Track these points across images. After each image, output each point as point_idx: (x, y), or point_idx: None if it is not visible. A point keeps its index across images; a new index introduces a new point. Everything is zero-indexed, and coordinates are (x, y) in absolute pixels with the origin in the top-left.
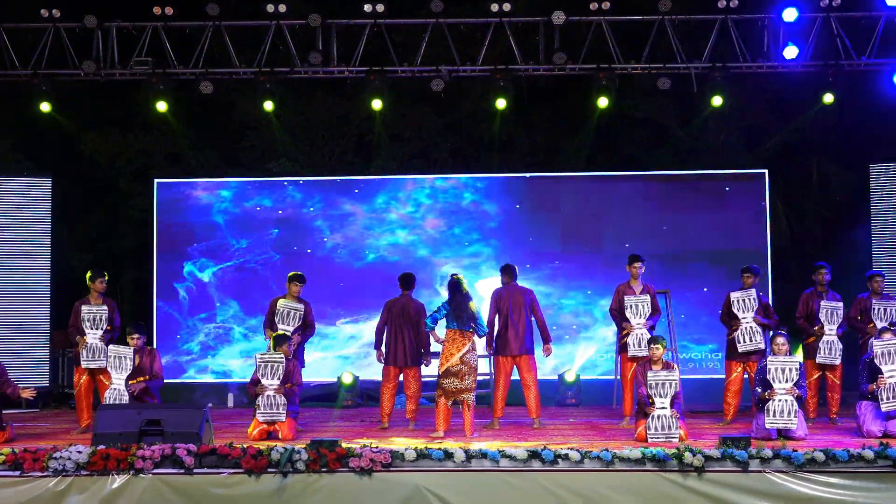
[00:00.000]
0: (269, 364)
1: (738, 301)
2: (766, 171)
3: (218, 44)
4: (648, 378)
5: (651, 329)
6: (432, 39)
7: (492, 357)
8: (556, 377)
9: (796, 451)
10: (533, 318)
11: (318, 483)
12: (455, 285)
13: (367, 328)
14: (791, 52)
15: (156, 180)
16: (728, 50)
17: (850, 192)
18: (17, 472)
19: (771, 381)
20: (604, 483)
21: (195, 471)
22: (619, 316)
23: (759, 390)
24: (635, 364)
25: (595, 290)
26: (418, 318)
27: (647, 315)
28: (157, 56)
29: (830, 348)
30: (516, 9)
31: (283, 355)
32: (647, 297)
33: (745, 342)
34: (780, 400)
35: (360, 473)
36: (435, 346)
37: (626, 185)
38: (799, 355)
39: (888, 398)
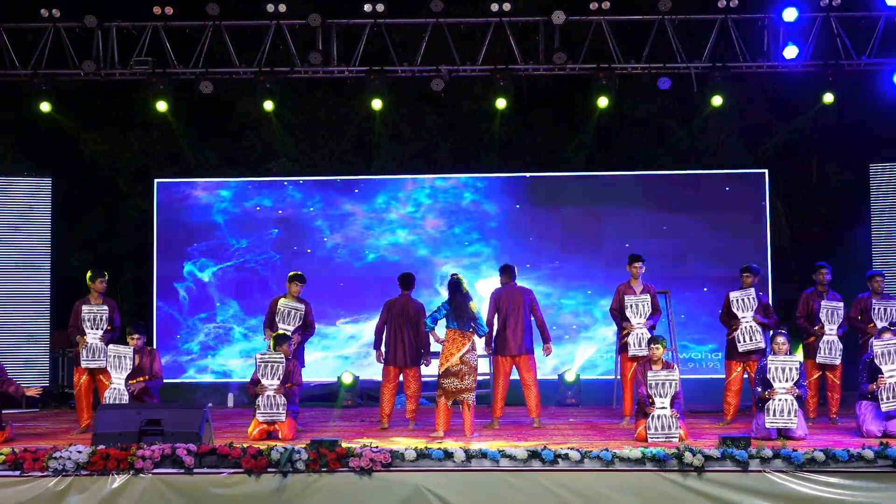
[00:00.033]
0: (269, 364)
1: (737, 300)
2: (766, 170)
3: (218, 44)
4: (648, 378)
5: (652, 329)
6: (432, 39)
7: (491, 357)
8: (556, 377)
9: (796, 450)
10: (532, 318)
11: (318, 483)
12: (455, 285)
13: (367, 328)
14: (791, 51)
15: (156, 180)
16: (728, 50)
17: (850, 192)
18: (17, 472)
19: (771, 381)
20: (604, 483)
21: (195, 471)
22: (619, 316)
23: (760, 389)
24: (635, 364)
25: (595, 289)
26: (418, 318)
27: (648, 315)
28: (157, 56)
29: (831, 348)
30: (516, 9)
31: (282, 355)
32: (648, 297)
33: (745, 341)
34: (780, 399)
35: (360, 473)
36: (435, 346)
37: (626, 185)
38: (799, 355)
39: (888, 398)
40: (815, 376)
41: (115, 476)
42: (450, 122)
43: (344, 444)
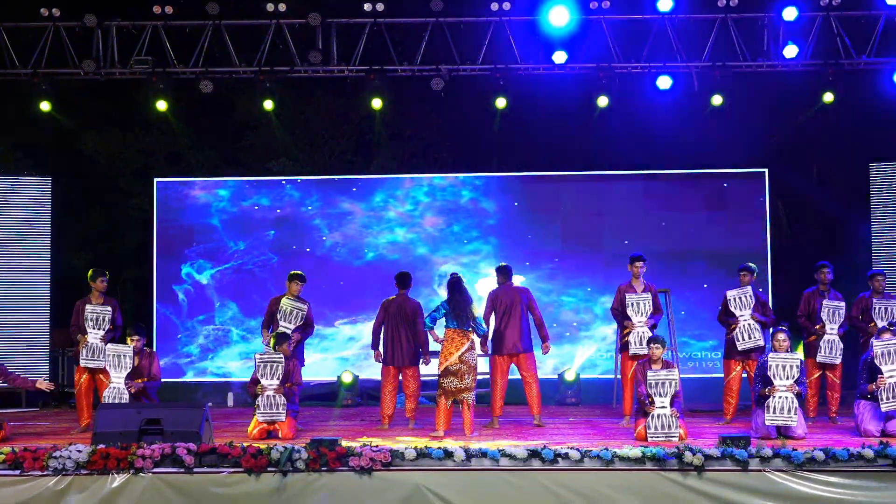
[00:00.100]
0: (269, 364)
1: (734, 299)
2: (766, 170)
3: (218, 43)
4: (648, 377)
5: (653, 328)
6: (432, 38)
7: (489, 357)
8: (556, 376)
9: (796, 450)
10: (531, 317)
11: (318, 482)
12: (454, 284)
13: (367, 329)
14: (791, 51)
15: (156, 180)
16: (728, 49)
17: (850, 191)
18: (17, 471)
19: (772, 378)
20: (604, 482)
21: (195, 470)
22: (620, 315)
23: (760, 387)
24: (635, 363)
25: (595, 287)
26: (415, 318)
27: (649, 314)
28: (156, 55)
29: (831, 347)
30: (516, 8)
31: (282, 355)
32: (649, 296)
33: (743, 340)
34: (780, 397)
35: (360, 472)
36: (434, 346)
37: (626, 184)
38: (799, 353)
39: (888, 398)
40: (816, 375)
41: (115, 475)
42: (450, 121)
43: (344, 444)
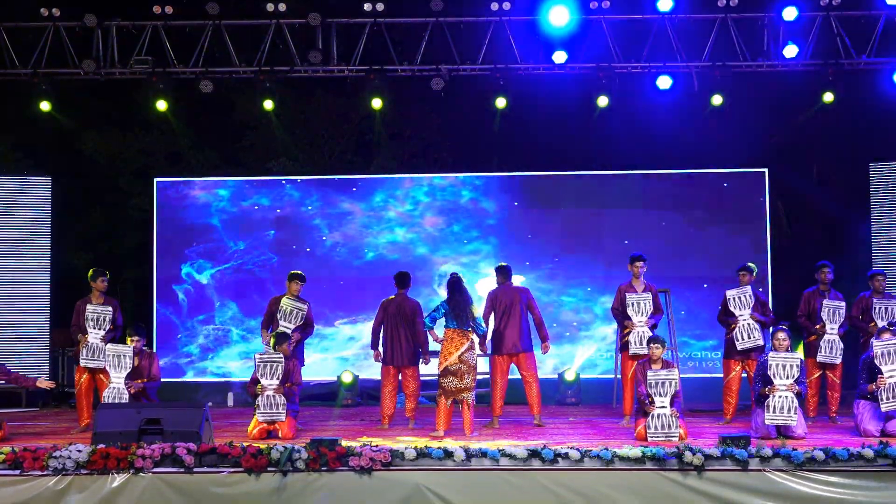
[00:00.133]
0: (269, 364)
1: (734, 298)
2: (766, 169)
3: (218, 43)
4: (648, 377)
5: (653, 328)
6: (432, 38)
7: (489, 357)
8: (556, 376)
9: (796, 449)
10: (530, 317)
11: (318, 482)
12: (454, 284)
13: (367, 329)
14: (791, 50)
15: (156, 179)
16: (728, 49)
17: (850, 191)
18: (17, 471)
19: (772, 377)
20: (604, 482)
21: (195, 470)
22: (621, 315)
23: (760, 386)
24: (635, 363)
25: (595, 287)
26: (414, 317)
27: (650, 313)
28: (156, 55)
29: (831, 347)
30: (516, 8)
31: (282, 354)
32: (650, 296)
33: (743, 339)
34: (780, 396)
35: (360, 472)
36: (434, 345)
37: (626, 184)
38: (799, 353)
39: (888, 398)
40: (816, 375)
41: (115, 475)
42: (450, 121)
43: (344, 444)
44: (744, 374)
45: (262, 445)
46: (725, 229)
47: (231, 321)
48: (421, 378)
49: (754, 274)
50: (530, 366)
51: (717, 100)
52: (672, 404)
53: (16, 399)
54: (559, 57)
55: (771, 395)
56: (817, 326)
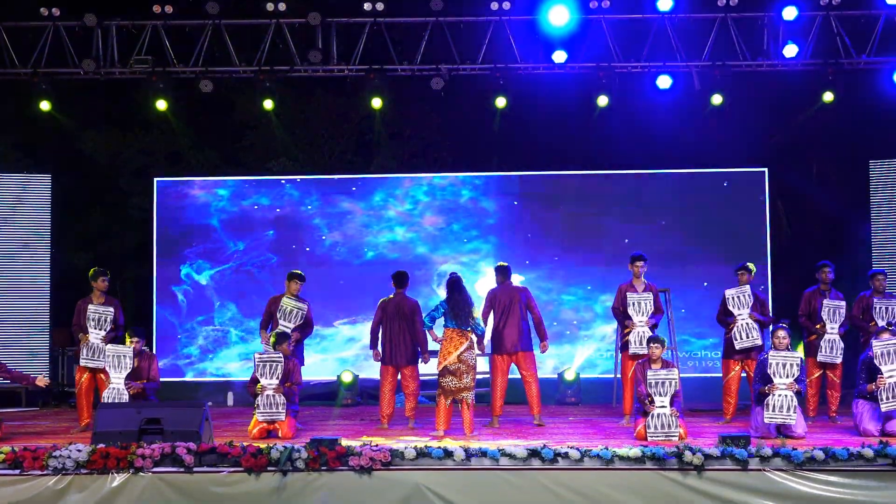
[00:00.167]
0: (268, 363)
1: (733, 298)
2: (766, 169)
3: (218, 42)
4: (648, 377)
5: (653, 328)
6: (432, 38)
7: (489, 356)
8: (555, 376)
9: (796, 449)
10: (530, 317)
11: (318, 482)
12: (453, 284)
13: (366, 329)
14: (791, 50)
15: (156, 179)
16: (728, 48)
17: (850, 190)
18: (17, 471)
19: (771, 376)
20: (604, 482)
21: (195, 469)
22: (621, 314)
23: (760, 385)
24: (635, 363)
25: (595, 286)
26: (413, 317)
27: (650, 313)
28: (156, 54)
29: (832, 347)
30: (516, 8)
31: (281, 354)
32: (650, 295)
33: (742, 339)
34: (779, 395)
35: (360, 472)
36: (433, 345)
37: (626, 183)
38: (800, 352)
39: (888, 398)
40: (816, 375)
41: (115, 475)
42: (450, 121)
43: (344, 443)
44: (743, 374)
45: (262, 445)
46: (725, 229)
47: (230, 322)
48: (420, 378)
49: (753, 273)
50: (530, 365)
51: (716, 99)
52: (672, 404)
53: (15, 398)
54: (559, 56)
55: (771, 394)
56: (818, 326)
